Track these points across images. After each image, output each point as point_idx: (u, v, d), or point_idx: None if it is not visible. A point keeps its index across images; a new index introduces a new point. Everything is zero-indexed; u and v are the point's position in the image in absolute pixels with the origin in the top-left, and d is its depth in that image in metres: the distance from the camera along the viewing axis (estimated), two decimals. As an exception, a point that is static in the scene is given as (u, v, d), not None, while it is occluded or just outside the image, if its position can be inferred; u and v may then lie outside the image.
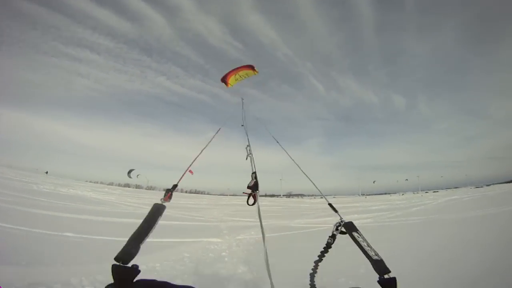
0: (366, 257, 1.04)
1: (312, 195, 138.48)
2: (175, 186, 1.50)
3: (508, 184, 76.89)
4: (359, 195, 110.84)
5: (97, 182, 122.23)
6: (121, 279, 0.83)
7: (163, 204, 1.21)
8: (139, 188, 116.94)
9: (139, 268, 0.88)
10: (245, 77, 4.03)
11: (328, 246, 1.30)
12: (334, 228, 1.26)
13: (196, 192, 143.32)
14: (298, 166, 2.47)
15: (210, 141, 2.42)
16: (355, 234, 1.13)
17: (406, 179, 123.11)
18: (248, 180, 2.16)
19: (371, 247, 1.06)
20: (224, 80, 3.98)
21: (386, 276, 0.92)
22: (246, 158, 2.48)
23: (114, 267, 0.84)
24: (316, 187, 2.31)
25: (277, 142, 2.90)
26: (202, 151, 2.28)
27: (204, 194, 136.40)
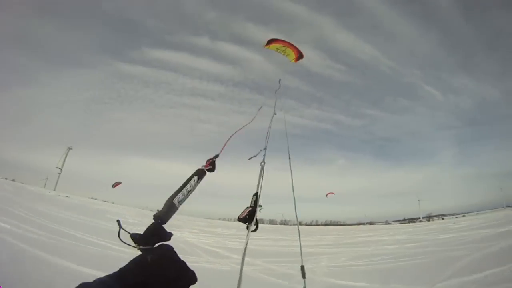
0: None
1: (454, 214, 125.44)
2: (216, 155, 1.57)
3: None
4: (503, 207, 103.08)
5: (230, 219, 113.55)
6: (156, 235, 0.93)
7: (205, 169, 1.36)
8: (273, 224, 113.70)
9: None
10: (283, 54, 3.65)
11: None
12: None
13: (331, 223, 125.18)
14: (293, 188, 2.48)
15: (254, 117, 2.72)
16: None
17: None
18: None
19: None
20: (270, 42, 3.59)
21: None
22: (249, 158, 2.07)
23: (153, 225, 0.94)
24: (296, 215, 2.46)
25: (289, 158, 2.64)
26: (249, 122, 2.51)
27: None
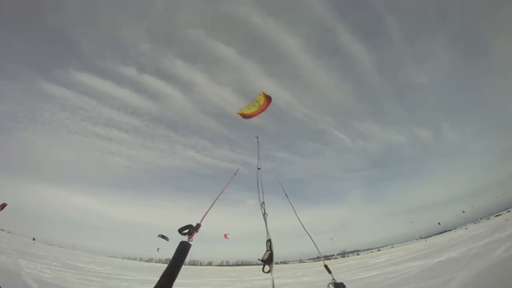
0: None
1: (368, 249, 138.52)
2: (198, 225, 1.59)
3: None
4: (417, 239, 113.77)
5: (135, 259, 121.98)
6: None
7: (189, 242, 1.38)
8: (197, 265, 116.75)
9: None
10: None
11: None
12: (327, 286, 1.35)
13: (242, 263, 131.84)
14: (303, 226, 2.59)
15: (229, 182, 2.69)
16: None
17: (463, 211, 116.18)
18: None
19: None
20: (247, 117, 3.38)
21: None
22: (264, 215, 2.27)
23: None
24: (316, 247, 2.56)
25: (286, 195, 2.82)
26: (221, 192, 2.66)
27: (202, 265, 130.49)
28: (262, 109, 3.95)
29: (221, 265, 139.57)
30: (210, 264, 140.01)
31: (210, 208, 2.13)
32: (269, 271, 1.98)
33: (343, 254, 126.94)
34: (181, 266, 1.31)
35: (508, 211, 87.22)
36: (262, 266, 2.08)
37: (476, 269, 10.60)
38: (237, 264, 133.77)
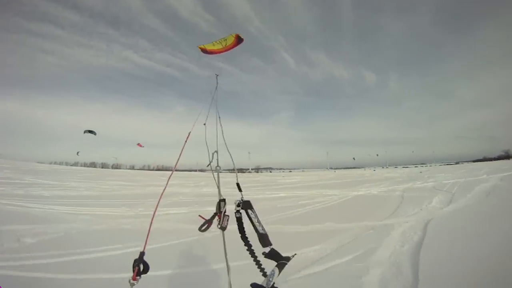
0: (255, 230, 1.33)
1: (281, 169, 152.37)
2: (142, 253, 1.28)
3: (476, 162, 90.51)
4: (327, 168, 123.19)
5: (61, 163, 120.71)
6: None
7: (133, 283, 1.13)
8: (105, 168, 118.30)
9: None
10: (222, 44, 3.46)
11: (238, 220, 1.51)
12: (235, 205, 1.49)
13: (163, 169, 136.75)
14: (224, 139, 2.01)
15: (182, 149, 2.05)
16: (249, 211, 1.40)
17: (377, 154, 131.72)
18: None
19: (260, 223, 1.36)
20: (205, 51, 3.38)
21: (269, 247, 1.23)
22: (208, 165, 1.91)
23: None
24: (232, 160, 1.96)
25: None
26: (177, 161, 1.95)
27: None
28: (227, 49, 3.43)
29: (142, 168, 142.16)
30: (132, 168, 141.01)
31: (148, 233, 1.47)
32: (204, 230, 1.63)
33: (257, 170, 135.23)
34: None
35: (421, 166, 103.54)
36: (201, 225, 1.65)
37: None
38: (158, 169, 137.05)
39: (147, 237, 1.48)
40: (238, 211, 1.52)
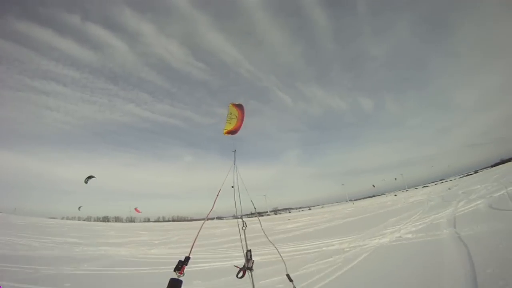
0: None
1: (300, 207, 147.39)
2: (187, 258, 1.55)
3: (496, 167, 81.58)
4: (347, 201, 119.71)
5: (74, 218, 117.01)
6: None
7: (179, 278, 1.34)
8: (119, 222, 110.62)
9: None
10: (228, 120, 3.75)
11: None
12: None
13: (178, 219, 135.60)
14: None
15: (212, 207, 2.45)
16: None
17: (395, 179, 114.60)
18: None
19: None
20: (238, 106, 3.70)
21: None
22: (242, 227, 2.40)
23: None
24: (252, 203, 2.73)
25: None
26: (208, 215, 2.54)
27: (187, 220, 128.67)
28: (241, 118, 3.69)
29: (157, 220, 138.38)
30: (148, 220, 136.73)
31: (196, 238, 2.01)
32: (242, 277, 2.08)
33: (275, 211, 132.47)
34: None
35: (441, 182, 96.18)
36: (237, 273, 2.11)
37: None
38: (173, 220, 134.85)
39: (192, 245, 1.91)
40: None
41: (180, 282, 1.33)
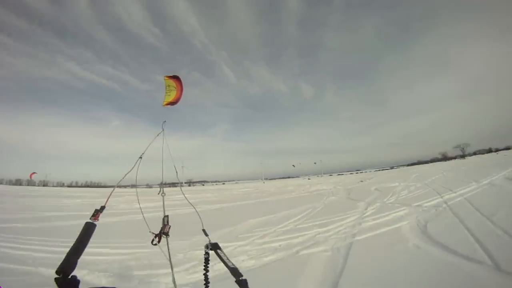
0: (226, 266, 1.43)
1: (216, 181, 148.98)
2: (103, 207, 1.63)
3: (412, 166, 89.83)
4: (262, 179, 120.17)
5: None
6: None
7: (94, 223, 1.44)
8: (32, 186, 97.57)
9: (78, 278, 1.08)
10: (166, 92, 3.56)
11: (206, 261, 1.68)
12: (205, 248, 1.67)
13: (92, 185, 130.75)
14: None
15: (133, 167, 2.22)
16: (219, 251, 1.58)
17: (315, 163, 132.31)
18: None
19: (228, 259, 1.49)
20: (174, 78, 3.56)
21: (240, 278, 1.31)
22: (159, 193, 2.32)
23: (57, 279, 1.03)
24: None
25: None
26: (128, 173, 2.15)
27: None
28: (180, 88, 3.55)
29: (70, 185, 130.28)
30: (62, 185, 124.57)
31: (113, 191, 1.94)
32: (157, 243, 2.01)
33: (190, 183, 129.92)
34: (86, 245, 1.32)
35: (356, 173, 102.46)
36: (153, 239, 2.00)
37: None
38: (86, 186, 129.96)
39: (109, 196, 1.85)
40: (206, 253, 1.69)
41: (94, 225, 1.45)
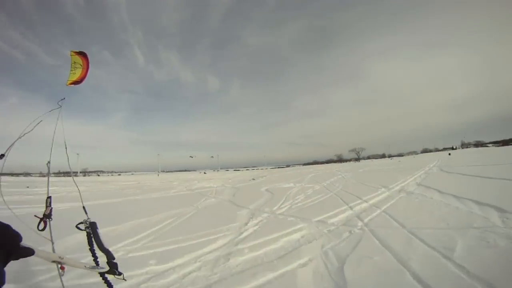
0: (100, 247, 1.49)
1: (112, 172, 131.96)
2: (2, 155, 1.55)
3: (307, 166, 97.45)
4: (158, 171, 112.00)
5: None
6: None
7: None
8: None
9: None
10: (72, 70, 3.42)
11: (88, 235, 1.69)
12: (84, 225, 1.66)
13: None
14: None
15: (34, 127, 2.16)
16: (96, 230, 1.61)
17: (212, 156, 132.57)
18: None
19: (103, 241, 1.59)
20: (81, 54, 3.36)
21: (113, 260, 1.44)
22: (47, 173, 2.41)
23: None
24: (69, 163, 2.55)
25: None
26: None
27: None
28: (86, 67, 3.37)
29: None
30: None
31: (14, 142, 1.84)
32: (43, 229, 1.90)
33: (85, 173, 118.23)
34: None
35: (252, 169, 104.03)
36: (38, 223, 1.90)
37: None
38: None
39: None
40: (88, 227, 1.67)
41: None
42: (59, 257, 1.28)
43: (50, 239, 2.02)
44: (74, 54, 3.32)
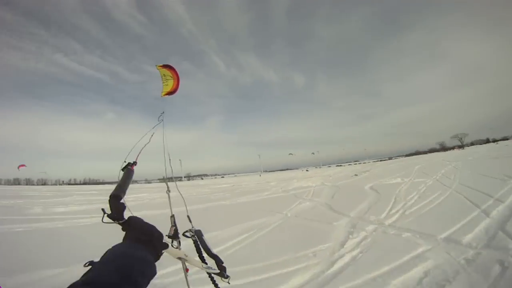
0: (208, 253, 1.57)
1: (215, 175, 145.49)
2: (135, 162, 1.71)
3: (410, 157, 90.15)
4: (260, 172, 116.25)
5: None
6: (118, 209, 1.08)
7: (132, 169, 1.60)
8: (30, 185, 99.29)
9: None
10: (163, 82, 3.61)
11: (195, 242, 1.69)
12: (190, 233, 1.72)
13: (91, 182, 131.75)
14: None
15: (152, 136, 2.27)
16: (202, 237, 1.66)
17: (313, 153, 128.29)
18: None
19: (211, 247, 1.62)
20: (167, 66, 3.54)
21: (223, 264, 1.47)
22: (167, 191, 2.19)
23: (112, 198, 1.12)
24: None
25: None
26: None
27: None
28: (177, 77, 3.41)
29: (69, 183, 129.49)
30: (61, 182, 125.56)
31: (144, 146, 1.97)
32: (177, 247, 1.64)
33: (189, 178, 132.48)
34: (129, 184, 1.43)
35: (354, 164, 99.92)
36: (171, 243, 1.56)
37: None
38: (84, 183, 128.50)
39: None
40: (193, 235, 1.71)
41: (133, 172, 1.57)
42: (185, 255, 1.43)
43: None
44: (160, 68, 3.46)
